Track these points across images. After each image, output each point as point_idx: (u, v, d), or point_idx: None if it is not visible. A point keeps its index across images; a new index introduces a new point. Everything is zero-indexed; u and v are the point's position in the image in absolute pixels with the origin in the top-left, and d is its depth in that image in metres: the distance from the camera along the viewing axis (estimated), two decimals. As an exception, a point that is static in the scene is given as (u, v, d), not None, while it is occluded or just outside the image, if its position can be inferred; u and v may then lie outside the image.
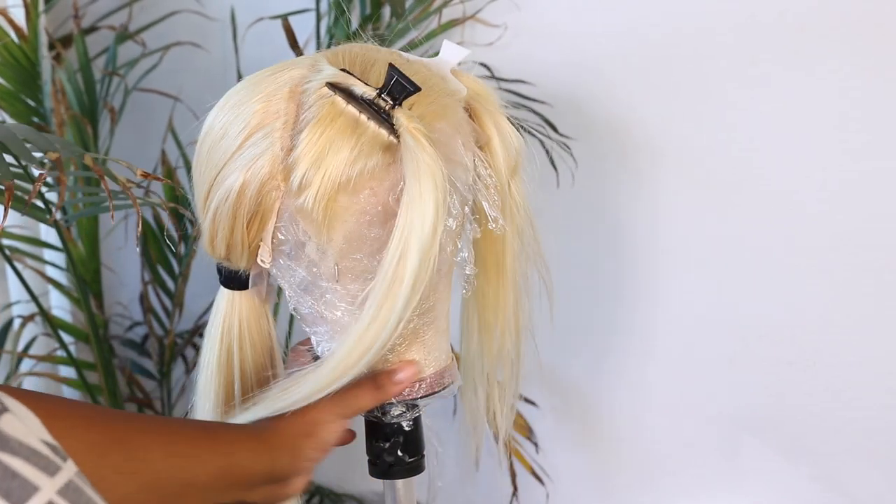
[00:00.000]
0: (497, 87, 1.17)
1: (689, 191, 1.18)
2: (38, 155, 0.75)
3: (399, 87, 0.62)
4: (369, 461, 0.74)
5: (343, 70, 0.65)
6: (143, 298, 1.43)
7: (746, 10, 1.09)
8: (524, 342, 0.79)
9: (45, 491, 0.36)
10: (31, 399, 0.49)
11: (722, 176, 1.15)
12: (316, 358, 0.73)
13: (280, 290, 0.73)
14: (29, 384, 1.46)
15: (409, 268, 0.60)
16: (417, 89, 0.62)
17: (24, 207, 0.76)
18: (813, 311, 1.13)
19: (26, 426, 0.37)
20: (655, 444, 1.29)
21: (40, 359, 1.34)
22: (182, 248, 1.34)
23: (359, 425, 0.73)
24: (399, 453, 0.72)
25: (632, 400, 1.29)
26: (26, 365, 1.38)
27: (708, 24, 1.12)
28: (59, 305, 1.52)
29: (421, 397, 0.71)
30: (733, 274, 1.17)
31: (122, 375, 1.45)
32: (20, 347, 1.33)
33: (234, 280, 0.73)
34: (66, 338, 1.39)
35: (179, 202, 1.23)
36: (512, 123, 0.71)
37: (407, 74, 0.62)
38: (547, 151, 1.14)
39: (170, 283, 1.40)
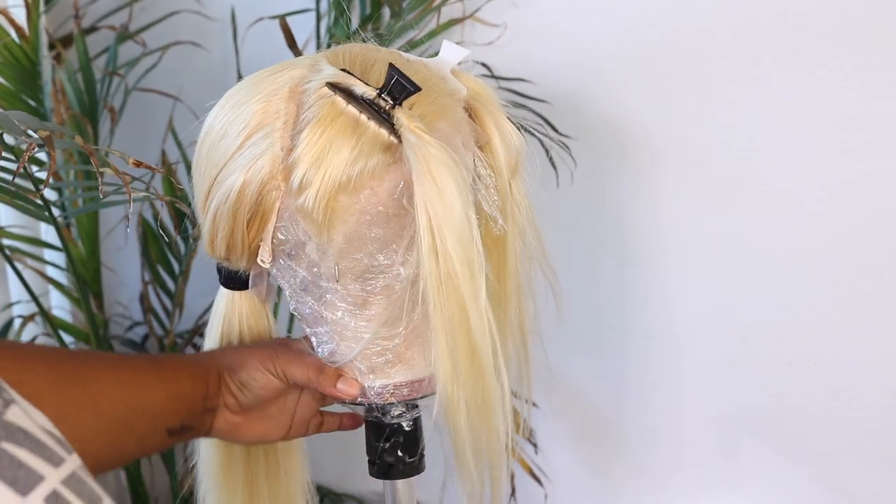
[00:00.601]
0: (496, 87, 1.18)
1: (689, 191, 1.18)
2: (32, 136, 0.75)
3: (399, 87, 0.62)
4: (369, 461, 0.74)
5: (343, 70, 0.65)
6: (143, 298, 1.43)
7: (746, 10, 1.09)
8: (531, 344, 0.78)
9: (49, 480, 0.36)
10: None
11: (722, 176, 1.15)
12: None
13: (280, 290, 0.73)
14: (29, 384, 1.46)
15: (456, 259, 0.60)
16: (418, 89, 0.62)
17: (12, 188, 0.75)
18: (813, 311, 1.13)
19: (31, 418, 0.38)
20: (655, 444, 1.29)
21: (40, 359, 1.33)
22: (182, 248, 1.34)
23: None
24: (399, 453, 0.72)
25: (632, 400, 1.29)
26: (26, 365, 1.38)
27: (708, 24, 1.12)
28: (59, 305, 1.52)
29: (421, 397, 0.71)
30: (733, 274, 1.17)
31: (122, 375, 1.44)
32: (20, 347, 1.33)
33: (235, 280, 0.73)
34: (67, 338, 1.39)
35: (179, 198, 1.23)
36: (512, 122, 0.71)
37: (407, 74, 0.62)
38: (546, 151, 1.14)
39: (170, 283, 1.40)
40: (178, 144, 1.36)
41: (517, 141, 0.70)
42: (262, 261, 0.67)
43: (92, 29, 1.42)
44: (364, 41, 0.72)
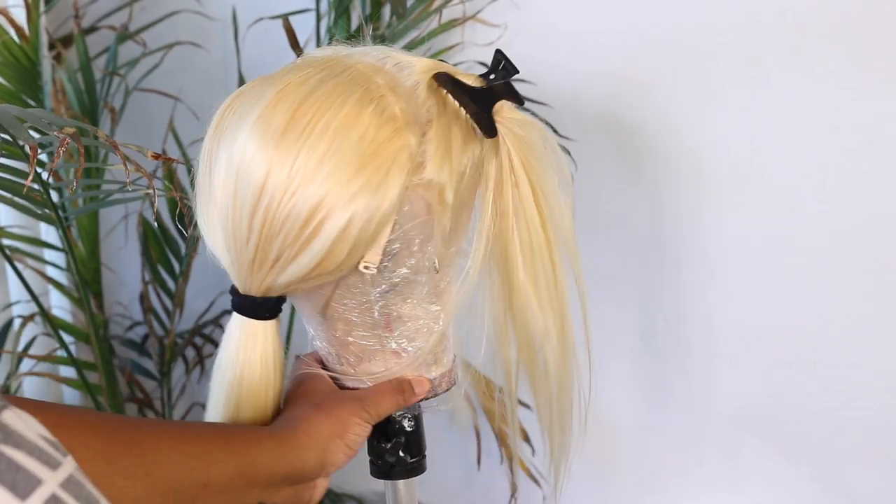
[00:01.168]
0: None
1: (689, 191, 1.18)
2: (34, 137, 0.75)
3: (505, 72, 0.65)
4: (371, 461, 0.74)
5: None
6: (144, 298, 1.43)
7: (746, 10, 1.09)
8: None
9: (48, 484, 0.36)
10: (33, 407, 0.49)
11: (722, 176, 1.15)
12: (324, 367, 0.72)
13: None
14: (29, 384, 1.46)
15: (572, 241, 0.69)
16: (517, 71, 0.65)
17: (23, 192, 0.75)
18: (813, 311, 1.13)
19: (25, 423, 0.38)
20: (656, 445, 1.29)
21: (40, 359, 1.33)
22: (182, 248, 1.34)
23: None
24: (401, 454, 0.72)
25: (632, 400, 1.29)
26: (26, 365, 1.38)
27: (708, 24, 1.12)
28: (60, 305, 1.52)
29: (423, 399, 0.71)
30: (733, 274, 1.17)
31: (123, 375, 1.45)
32: (20, 347, 1.33)
33: (265, 305, 0.65)
34: (67, 338, 1.39)
35: (179, 194, 1.23)
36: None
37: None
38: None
39: (170, 283, 1.40)
40: (179, 144, 1.36)
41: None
42: (365, 267, 0.62)
43: (92, 29, 1.42)
44: (363, 42, 0.71)
